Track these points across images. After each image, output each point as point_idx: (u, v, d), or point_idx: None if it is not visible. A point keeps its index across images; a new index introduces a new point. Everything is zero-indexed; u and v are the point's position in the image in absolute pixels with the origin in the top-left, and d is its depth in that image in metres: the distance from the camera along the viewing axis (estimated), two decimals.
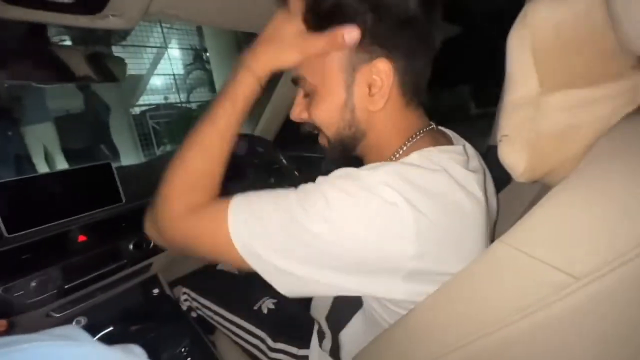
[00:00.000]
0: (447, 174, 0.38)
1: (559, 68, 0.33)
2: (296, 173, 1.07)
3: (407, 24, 0.38)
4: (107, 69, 0.74)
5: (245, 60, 0.43)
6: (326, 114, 0.44)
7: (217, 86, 3.91)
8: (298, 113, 0.48)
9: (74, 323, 0.84)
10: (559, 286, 0.26)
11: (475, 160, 0.48)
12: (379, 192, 0.34)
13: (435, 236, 0.35)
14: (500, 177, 0.75)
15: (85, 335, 0.21)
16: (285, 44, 0.41)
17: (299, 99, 0.47)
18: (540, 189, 0.61)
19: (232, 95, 0.43)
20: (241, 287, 0.78)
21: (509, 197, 0.73)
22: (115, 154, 3.75)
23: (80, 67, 0.67)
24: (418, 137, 0.44)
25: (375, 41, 0.39)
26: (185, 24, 6.34)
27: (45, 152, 3.05)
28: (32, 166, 2.92)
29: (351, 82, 0.41)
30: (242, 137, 0.96)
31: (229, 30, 3.63)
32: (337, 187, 0.36)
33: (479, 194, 0.40)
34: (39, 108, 2.87)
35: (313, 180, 0.39)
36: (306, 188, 0.38)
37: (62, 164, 3.09)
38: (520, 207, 0.66)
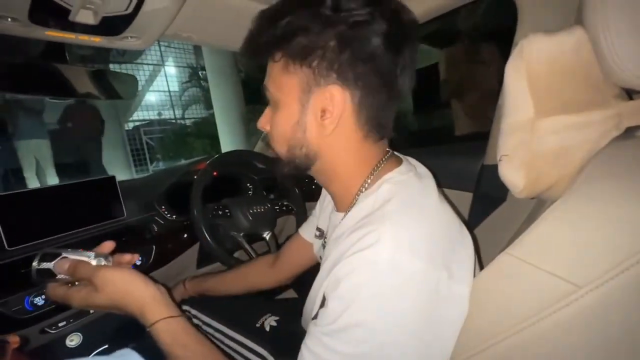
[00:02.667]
0: (418, 190, 0.43)
1: (551, 96, 0.37)
2: (296, 190, 1.09)
3: (368, 59, 0.39)
4: (118, 86, 0.77)
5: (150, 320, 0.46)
6: (281, 128, 0.45)
7: (214, 103, 3.98)
8: (263, 123, 0.49)
9: (67, 340, 0.82)
10: (563, 294, 0.28)
11: (422, 167, 0.51)
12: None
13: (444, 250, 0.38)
14: (496, 194, 0.79)
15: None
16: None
17: (267, 110, 0.48)
18: (535, 205, 0.65)
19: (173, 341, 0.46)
20: (243, 304, 0.77)
21: (505, 214, 0.76)
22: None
23: (93, 84, 0.70)
24: (381, 167, 0.46)
25: (333, 67, 0.40)
26: (184, 43, 6.49)
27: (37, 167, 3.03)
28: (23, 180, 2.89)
29: (306, 101, 0.42)
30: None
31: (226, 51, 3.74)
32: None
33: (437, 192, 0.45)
34: (36, 122, 2.88)
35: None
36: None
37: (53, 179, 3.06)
38: (515, 223, 0.69)
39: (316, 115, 0.43)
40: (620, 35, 0.30)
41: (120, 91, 0.76)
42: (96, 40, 0.60)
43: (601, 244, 0.28)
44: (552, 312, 0.29)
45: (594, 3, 0.32)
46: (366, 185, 0.46)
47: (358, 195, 0.46)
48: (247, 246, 0.96)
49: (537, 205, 0.60)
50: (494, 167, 0.80)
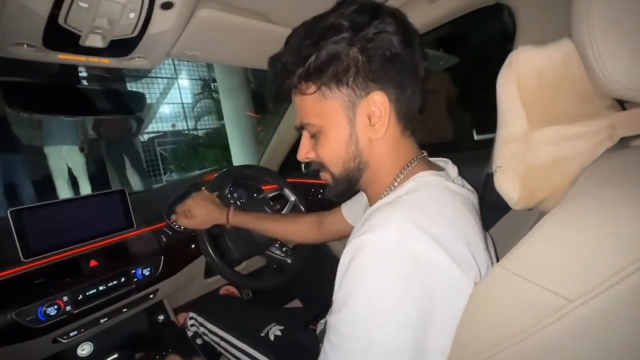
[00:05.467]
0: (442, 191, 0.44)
1: (543, 107, 0.36)
2: (301, 207, 1.10)
3: (393, 59, 0.44)
4: (128, 103, 0.81)
5: None
6: (333, 150, 0.48)
7: (224, 114, 4.08)
8: (305, 154, 0.52)
9: (79, 349, 0.84)
10: (554, 308, 0.28)
11: (459, 181, 0.53)
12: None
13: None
14: (501, 203, 0.78)
15: None
16: None
17: (305, 141, 0.52)
18: (539, 214, 0.63)
19: None
20: (248, 313, 0.78)
21: (511, 223, 0.75)
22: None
23: (106, 102, 0.73)
24: (412, 166, 0.49)
25: (369, 78, 0.44)
26: None
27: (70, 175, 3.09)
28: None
29: (352, 116, 0.46)
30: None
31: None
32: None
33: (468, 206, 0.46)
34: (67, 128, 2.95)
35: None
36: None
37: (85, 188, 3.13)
38: (521, 232, 0.68)
39: (364, 124, 0.46)
40: (607, 47, 0.30)
41: (130, 107, 0.79)
42: (105, 61, 0.63)
43: (592, 256, 0.28)
44: (543, 326, 0.28)
45: (580, 15, 0.32)
46: (395, 183, 0.48)
47: (387, 192, 0.48)
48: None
49: (541, 215, 0.59)
50: None
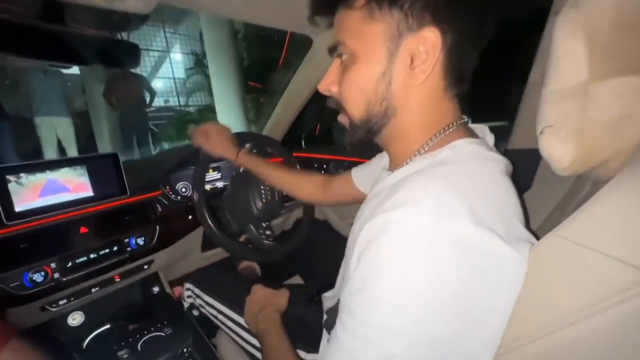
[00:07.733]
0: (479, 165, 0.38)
1: (615, 53, 0.31)
2: None
3: None
4: (121, 54, 0.73)
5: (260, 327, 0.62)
6: (360, 85, 0.41)
7: (214, 91, 3.97)
8: (327, 85, 0.45)
9: (69, 319, 0.80)
10: (629, 282, 0.24)
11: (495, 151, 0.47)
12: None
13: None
14: (521, 181, 0.74)
15: None
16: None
17: (333, 69, 0.45)
18: (568, 190, 0.60)
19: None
20: (247, 286, 0.74)
21: (531, 202, 0.71)
22: None
23: (95, 51, 0.66)
24: (449, 131, 0.42)
25: (428, 8, 0.36)
26: (189, 30, 6.47)
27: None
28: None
29: (395, 49, 0.38)
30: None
31: (227, 36, 3.71)
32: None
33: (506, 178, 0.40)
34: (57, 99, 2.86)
35: None
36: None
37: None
38: (543, 212, 0.65)
39: (405, 64, 0.39)
40: None
41: (124, 59, 0.71)
42: (96, 1, 0.55)
43: None
44: (613, 303, 0.24)
45: None
46: (426, 147, 0.41)
47: (415, 156, 0.42)
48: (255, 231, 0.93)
49: (572, 190, 0.56)
50: (520, 152, 0.75)
